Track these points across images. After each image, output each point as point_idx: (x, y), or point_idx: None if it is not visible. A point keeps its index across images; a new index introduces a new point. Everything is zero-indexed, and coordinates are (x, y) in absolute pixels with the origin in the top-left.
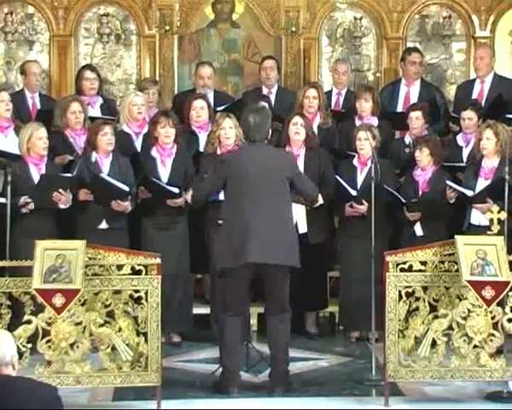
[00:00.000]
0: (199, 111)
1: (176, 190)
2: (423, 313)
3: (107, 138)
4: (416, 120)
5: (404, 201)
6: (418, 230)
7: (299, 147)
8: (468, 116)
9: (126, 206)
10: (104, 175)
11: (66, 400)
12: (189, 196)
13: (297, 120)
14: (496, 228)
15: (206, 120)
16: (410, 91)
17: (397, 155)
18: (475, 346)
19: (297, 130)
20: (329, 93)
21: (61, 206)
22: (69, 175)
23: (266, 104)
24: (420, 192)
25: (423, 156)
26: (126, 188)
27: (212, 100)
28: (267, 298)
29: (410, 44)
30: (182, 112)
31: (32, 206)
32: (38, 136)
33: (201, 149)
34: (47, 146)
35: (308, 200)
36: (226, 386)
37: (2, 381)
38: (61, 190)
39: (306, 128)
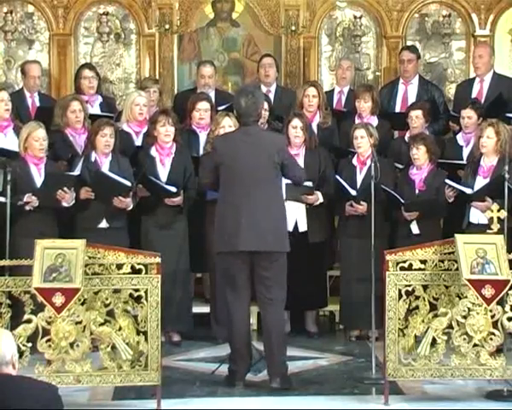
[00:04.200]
0: (202, 113)
1: (173, 189)
2: (423, 312)
3: (105, 140)
4: (416, 119)
5: (402, 201)
6: (414, 228)
7: (299, 147)
8: (468, 115)
9: (128, 202)
10: (106, 170)
11: (67, 399)
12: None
13: (296, 123)
14: (495, 227)
15: (208, 121)
16: (408, 90)
17: (397, 152)
18: (475, 345)
19: (297, 133)
20: (331, 92)
21: (65, 204)
22: (74, 174)
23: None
24: (416, 191)
25: (420, 154)
26: (128, 183)
27: (213, 99)
28: (261, 291)
29: (409, 43)
30: (182, 111)
31: (35, 203)
32: (36, 136)
33: (201, 148)
34: (44, 148)
35: (295, 183)
36: (232, 381)
37: (3, 380)
38: (65, 189)
39: (305, 130)
